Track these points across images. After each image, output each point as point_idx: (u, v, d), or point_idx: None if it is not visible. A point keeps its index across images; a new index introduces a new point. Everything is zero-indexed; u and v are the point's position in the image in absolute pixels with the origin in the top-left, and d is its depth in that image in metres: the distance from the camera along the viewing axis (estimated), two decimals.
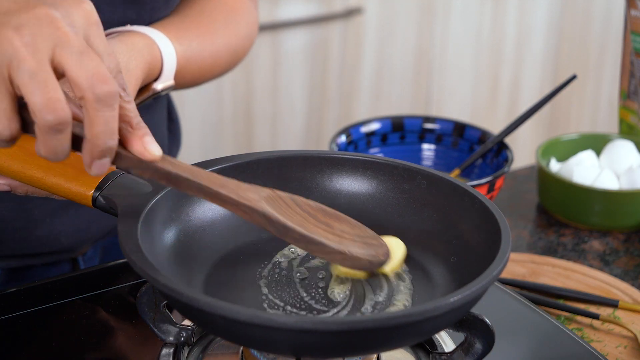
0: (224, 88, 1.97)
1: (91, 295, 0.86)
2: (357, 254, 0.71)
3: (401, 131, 1.20)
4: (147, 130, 0.65)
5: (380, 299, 0.73)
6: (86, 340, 0.80)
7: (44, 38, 0.59)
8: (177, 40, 0.93)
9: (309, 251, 0.71)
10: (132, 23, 0.93)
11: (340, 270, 0.75)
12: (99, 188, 0.74)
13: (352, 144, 1.16)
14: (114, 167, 0.70)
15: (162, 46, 0.91)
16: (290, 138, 2.10)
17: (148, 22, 0.96)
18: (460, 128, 1.19)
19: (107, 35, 0.91)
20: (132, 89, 0.87)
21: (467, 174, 1.16)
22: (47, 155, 0.61)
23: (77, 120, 0.62)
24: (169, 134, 1.15)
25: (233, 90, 1.98)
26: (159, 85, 0.92)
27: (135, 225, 0.69)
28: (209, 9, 1.01)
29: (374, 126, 1.19)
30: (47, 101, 0.58)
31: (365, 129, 1.18)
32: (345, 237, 0.72)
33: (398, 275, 0.75)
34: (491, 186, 1.07)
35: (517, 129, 1.15)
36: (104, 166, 0.62)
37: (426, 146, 1.20)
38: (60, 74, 0.60)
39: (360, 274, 0.75)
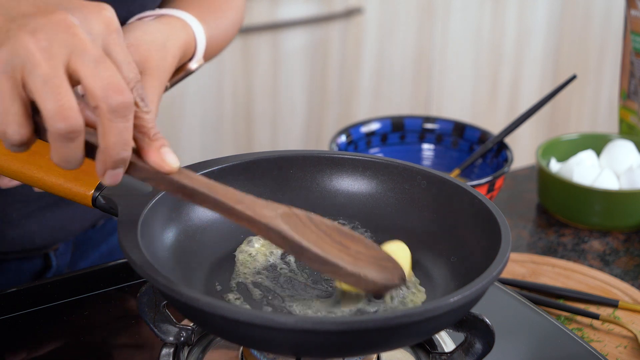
0: (224, 88, 1.97)
1: (91, 296, 0.86)
2: (373, 278, 0.70)
3: (401, 131, 1.20)
4: (165, 141, 0.64)
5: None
6: (86, 340, 0.80)
7: (60, 44, 0.59)
8: (201, 20, 0.94)
9: (323, 272, 0.70)
10: (124, 21, 0.93)
11: (345, 286, 0.74)
12: (99, 188, 0.74)
13: (352, 144, 1.16)
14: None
15: (194, 27, 0.92)
16: (290, 138, 2.10)
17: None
18: (460, 128, 1.19)
19: (141, 18, 0.92)
20: (170, 69, 0.86)
21: (467, 174, 1.16)
22: (60, 163, 0.60)
23: (93, 127, 0.61)
24: None
25: (233, 90, 1.98)
26: (193, 65, 0.92)
27: (135, 225, 0.69)
28: None
29: (374, 126, 1.19)
30: (60, 108, 0.58)
31: (365, 129, 1.18)
32: (361, 258, 0.71)
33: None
34: (491, 186, 1.07)
35: (517, 129, 1.15)
36: (117, 176, 0.62)
37: (426, 146, 1.20)
38: (75, 82, 0.59)
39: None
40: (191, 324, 0.74)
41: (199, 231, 0.77)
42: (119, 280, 0.88)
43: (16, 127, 0.59)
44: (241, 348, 0.75)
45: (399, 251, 0.75)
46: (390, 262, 0.72)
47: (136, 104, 0.62)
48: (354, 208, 0.82)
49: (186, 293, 0.62)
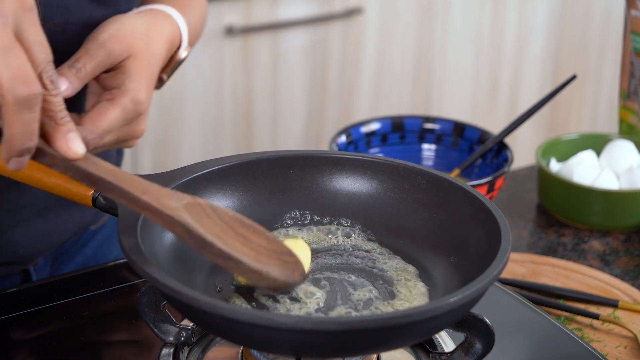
0: (224, 88, 1.97)
1: (91, 296, 0.86)
2: (274, 275, 0.70)
3: (401, 131, 1.20)
4: (72, 125, 0.63)
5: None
6: (86, 340, 0.80)
7: None
8: (179, 11, 0.94)
9: (226, 267, 0.69)
10: (99, 22, 0.93)
11: (242, 279, 0.74)
12: None
13: (352, 144, 1.16)
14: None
15: (176, 17, 0.92)
16: (290, 138, 2.10)
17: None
18: (460, 128, 1.19)
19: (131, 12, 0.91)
20: (158, 55, 0.86)
21: (467, 174, 1.16)
22: (17, 139, 0.59)
23: None
24: None
25: (233, 90, 1.98)
26: (183, 53, 0.92)
27: (135, 225, 0.69)
28: None
29: (374, 126, 1.19)
30: None
31: (365, 129, 1.18)
32: (263, 252, 0.70)
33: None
34: (491, 186, 1.07)
35: (517, 129, 1.15)
36: (21, 163, 0.61)
37: (426, 146, 1.20)
38: None
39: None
40: (191, 324, 0.74)
41: None
42: (119, 280, 0.88)
43: None
44: (241, 348, 0.75)
45: (298, 248, 0.75)
46: (291, 257, 0.72)
47: (45, 87, 0.61)
48: (354, 208, 0.82)
49: (186, 293, 0.62)
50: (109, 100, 0.78)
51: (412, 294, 0.74)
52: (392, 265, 0.77)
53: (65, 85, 0.76)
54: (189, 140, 1.97)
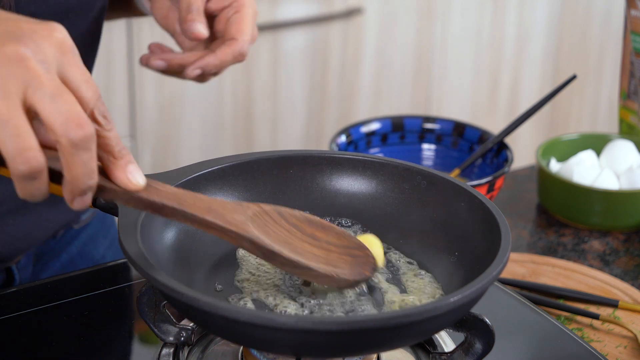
0: (224, 88, 1.97)
1: (91, 295, 0.86)
2: (345, 276, 0.70)
3: (401, 131, 1.20)
4: (130, 157, 0.64)
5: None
6: (86, 340, 0.80)
7: (15, 80, 0.57)
8: None
9: (296, 274, 0.69)
10: (75, 11, 0.92)
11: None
12: None
13: (352, 144, 1.16)
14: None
15: None
16: (290, 138, 2.10)
17: (91, 7, 0.95)
18: (460, 128, 1.19)
19: None
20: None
21: (467, 174, 1.16)
22: (25, 197, 0.60)
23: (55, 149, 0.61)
24: None
25: (233, 90, 1.98)
26: None
27: (135, 225, 0.69)
28: None
29: (374, 126, 1.19)
30: (20, 150, 0.57)
31: (365, 129, 1.18)
32: (332, 250, 0.70)
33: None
34: (491, 186, 1.07)
35: (517, 129, 1.15)
36: (85, 201, 0.61)
37: (426, 146, 1.20)
38: (33, 115, 0.59)
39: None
40: (191, 324, 0.74)
41: (199, 231, 0.77)
42: (118, 280, 0.88)
43: None
44: (241, 348, 0.75)
45: (370, 244, 0.75)
46: (362, 251, 0.72)
47: (98, 123, 0.61)
48: (354, 208, 0.82)
49: (186, 293, 0.62)
50: (229, 42, 0.91)
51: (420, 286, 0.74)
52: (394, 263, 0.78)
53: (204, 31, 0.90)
54: (189, 140, 1.97)
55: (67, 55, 0.61)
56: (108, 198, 0.64)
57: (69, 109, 0.58)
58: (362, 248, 0.73)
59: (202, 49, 0.96)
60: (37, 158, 0.58)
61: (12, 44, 0.58)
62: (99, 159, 0.63)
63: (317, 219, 0.72)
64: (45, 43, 0.60)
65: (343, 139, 1.15)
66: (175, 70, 0.95)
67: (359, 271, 0.71)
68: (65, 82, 0.60)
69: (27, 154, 0.57)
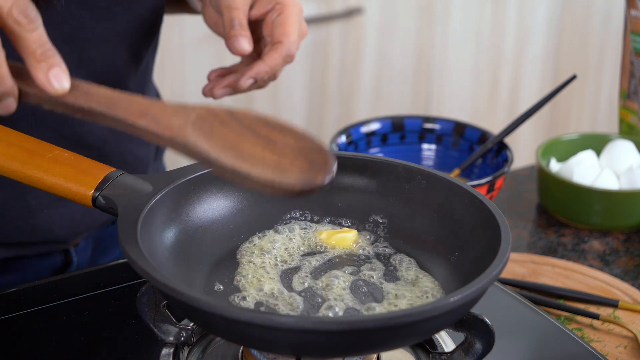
0: None
1: (91, 295, 0.86)
2: (289, 183, 0.63)
3: (401, 131, 1.20)
4: (56, 59, 0.61)
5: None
6: (86, 340, 0.80)
7: None
8: None
9: (236, 182, 0.64)
10: (133, 22, 0.93)
11: (323, 239, 0.74)
12: (98, 188, 0.74)
13: (352, 144, 1.16)
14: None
15: None
16: None
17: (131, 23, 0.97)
18: (460, 128, 1.19)
19: None
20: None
21: (467, 174, 1.16)
22: None
23: None
24: None
25: None
26: None
27: (135, 225, 0.69)
28: None
29: (374, 126, 1.19)
30: None
31: (365, 129, 1.18)
32: (287, 153, 0.64)
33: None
34: (491, 186, 1.07)
35: (516, 129, 1.15)
36: (8, 107, 0.60)
37: (426, 146, 1.20)
38: None
39: (346, 243, 0.76)
40: (191, 324, 0.75)
41: (199, 231, 0.77)
42: (119, 280, 0.88)
43: None
44: (241, 348, 0.75)
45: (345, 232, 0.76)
46: (321, 155, 0.65)
47: (18, 23, 0.60)
48: (354, 208, 0.82)
49: (186, 293, 0.62)
50: (275, 46, 0.91)
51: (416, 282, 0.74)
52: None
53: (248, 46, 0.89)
54: None
55: None
56: (35, 102, 0.62)
57: None
58: (322, 152, 0.65)
59: (254, 55, 0.96)
60: None
61: None
62: (24, 62, 0.61)
63: (277, 119, 0.66)
64: None
65: (343, 139, 1.15)
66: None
67: (309, 177, 0.64)
68: None
69: None
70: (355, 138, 1.17)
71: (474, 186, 1.04)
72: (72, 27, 0.91)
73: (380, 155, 1.05)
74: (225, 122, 0.64)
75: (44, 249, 1.01)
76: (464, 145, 1.19)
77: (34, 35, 0.60)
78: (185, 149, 0.63)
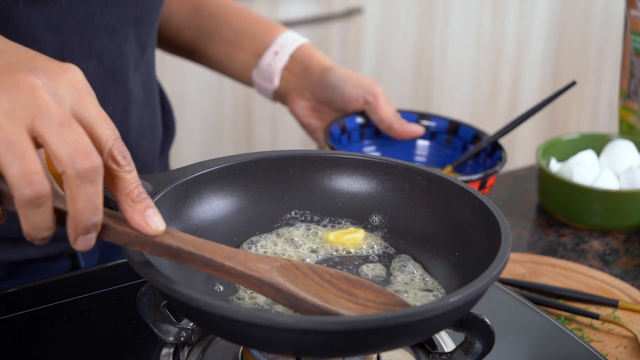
0: (224, 88, 1.97)
1: (91, 295, 0.86)
2: None
3: None
4: (150, 202, 0.63)
5: None
6: (86, 340, 0.80)
7: (23, 107, 0.57)
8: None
9: None
10: (142, 20, 0.95)
11: (332, 240, 0.74)
12: None
13: (345, 134, 1.15)
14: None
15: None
16: (290, 138, 2.10)
17: (155, 18, 0.99)
18: (454, 126, 1.18)
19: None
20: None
21: (459, 172, 1.16)
22: (29, 231, 0.59)
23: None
24: (163, 126, 1.16)
25: (233, 90, 1.98)
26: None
27: None
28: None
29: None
30: (24, 174, 0.56)
31: (360, 120, 1.17)
32: (370, 306, 0.68)
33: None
34: (483, 184, 1.07)
35: (512, 130, 1.15)
36: (89, 241, 0.60)
37: (420, 142, 1.20)
38: (39, 145, 0.58)
39: (356, 243, 0.77)
40: (191, 324, 0.75)
41: (199, 231, 0.77)
42: (119, 280, 0.88)
43: None
44: (241, 348, 0.75)
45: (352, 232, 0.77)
46: (402, 307, 0.69)
47: (117, 163, 0.60)
48: (354, 208, 0.82)
49: (186, 293, 0.62)
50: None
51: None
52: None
53: None
54: (189, 140, 1.97)
55: (81, 94, 0.60)
56: (121, 242, 0.63)
57: (75, 139, 0.58)
58: (404, 304, 0.70)
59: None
60: (41, 182, 0.57)
61: (24, 73, 0.59)
62: (118, 202, 0.62)
63: (356, 277, 0.70)
64: (58, 79, 0.60)
65: (337, 128, 1.14)
66: None
67: None
68: (80, 120, 0.60)
69: (31, 177, 0.57)
70: (350, 128, 1.16)
71: (465, 181, 1.04)
72: (80, 14, 0.91)
73: (373, 148, 1.04)
74: (306, 274, 0.68)
75: (52, 250, 1.01)
76: (457, 144, 1.18)
77: (131, 176, 0.61)
78: (272, 288, 0.65)
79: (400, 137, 1.16)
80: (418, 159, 1.19)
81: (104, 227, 0.63)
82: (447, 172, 1.13)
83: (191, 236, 0.66)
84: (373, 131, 1.18)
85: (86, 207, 0.58)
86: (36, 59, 0.61)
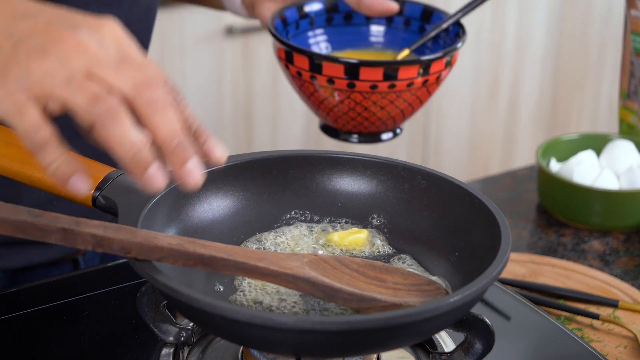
0: (224, 88, 1.97)
1: (91, 295, 0.86)
2: (414, 303, 0.69)
3: (346, 11, 1.11)
4: (209, 132, 0.64)
5: None
6: (86, 340, 0.80)
7: (76, 60, 0.59)
8: None
9: (362, 310, 0.68)
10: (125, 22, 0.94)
11: (336, 241, 0.75)
12: (98, 188, 0.74)
13: (291, 25, 1.08)
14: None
15: None
16: (290, 138, 2.10)
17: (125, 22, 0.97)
18: (402, 4, 1.10)
19: None
20: None
21: (419, 54, 1.09)
22: (121, 151, 0.59)
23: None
24: None
25: (233, 90, 1.98)
26: None
27: (135, 225, 0.69)
28: None
29: (317, 6, 1.10)
30: (88, 95, 0.58)
31: (308, 9, 1.08)
32: (400, 288, 0.70)
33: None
34: (448, 62, 1.01)
35: (475, 9, 1.10)
36: (194, 173, 0.61)
37: (374, 27, 1.12)
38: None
39: (361, 243, 0.77)
40: (191, 324, 0.74)
41: (199, 231, 0.77)
42: (118, 280, 0.88)
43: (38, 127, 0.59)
44: (241, 348, 0.75)
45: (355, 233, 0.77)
46: (431, 286, 0.71)
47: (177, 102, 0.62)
48: (354, 208, 0.82)
49: (186, 293, 0.62)
50: None
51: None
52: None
53: None
54: None
55: (122, 42, 0.62)
56: (155, 258, 0.64)
57: (133, 75, 0.59)
58: (432, 283, 0.71)
59: None
60: (106, 99, 0.58)
61: (67, 31, 0.60)
62: (160, 148, 0.62)
63: (380, 263, 0.72)
64: (99, 31, 0.61)
65: (278, 20, 1.06)
66: None
67: (429, 300, 0.70)
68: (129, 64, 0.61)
69: (96, 97, 0.58)
70: (291, 20, 1.09)
71: (430, 60, 0.99)
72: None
73: (324, 37, 1.02)
74: (334, 266, 0.69)
75: (54, 254, 1.00)
76: (414, 25, 1.11)
77: (189, 111, 0.63)
78: (308, 282, 0.66)
79: (371, 12, 1.05)
80: (374, 41, 1.11)
81: (136, 246, 0.64)
82: (403, 56, 1.07)
83: (217, 243, 0.67)
84: (324, 19, 1.10)
85: (172, 129, 0.60)
86: (73, 16, 0.62)
